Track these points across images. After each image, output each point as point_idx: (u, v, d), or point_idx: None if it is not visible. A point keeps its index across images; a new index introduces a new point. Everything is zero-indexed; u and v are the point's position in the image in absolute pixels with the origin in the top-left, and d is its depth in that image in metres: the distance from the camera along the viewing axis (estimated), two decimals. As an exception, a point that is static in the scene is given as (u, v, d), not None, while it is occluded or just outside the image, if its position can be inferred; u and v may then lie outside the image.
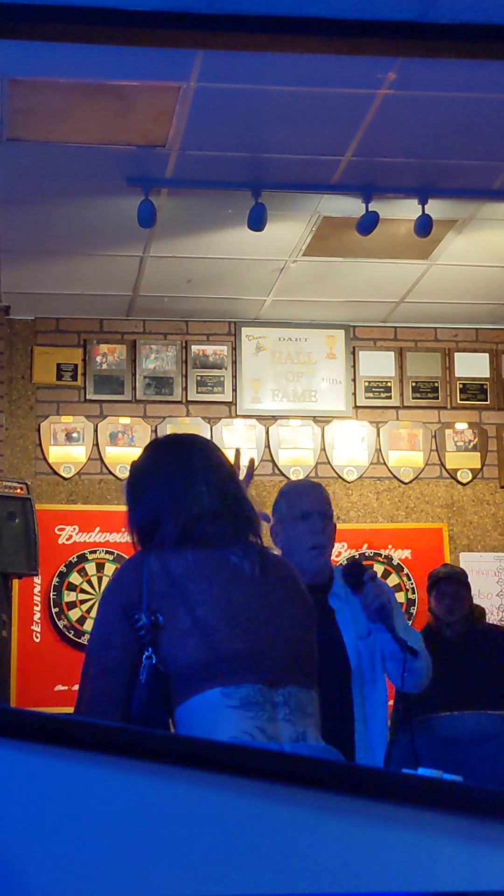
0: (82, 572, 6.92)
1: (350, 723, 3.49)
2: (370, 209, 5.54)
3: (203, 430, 7.09)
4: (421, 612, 6.71)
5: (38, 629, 6.81)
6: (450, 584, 5.52)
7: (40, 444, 7.07)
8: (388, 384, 7.41)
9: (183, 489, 2.56)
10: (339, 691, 3.49)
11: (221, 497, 2.57)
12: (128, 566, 2.55)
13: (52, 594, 6.84)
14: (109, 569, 6.89)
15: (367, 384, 7.39)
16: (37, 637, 6.80)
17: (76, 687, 2.58)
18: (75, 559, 6.92)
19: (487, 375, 7.48)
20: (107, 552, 6.95)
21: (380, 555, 7.14)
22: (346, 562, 3.69)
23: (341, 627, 3.58)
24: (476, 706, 4.93)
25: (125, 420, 7.17)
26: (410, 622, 5.51)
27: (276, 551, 3.51)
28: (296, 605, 2.59)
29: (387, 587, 3.64)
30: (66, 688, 6.60)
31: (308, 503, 3.65)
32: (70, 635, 6.79)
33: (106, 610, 2.53)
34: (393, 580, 7.06)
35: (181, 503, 2.54)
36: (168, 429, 7.08)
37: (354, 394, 7.37)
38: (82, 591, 6.89)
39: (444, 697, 4.97)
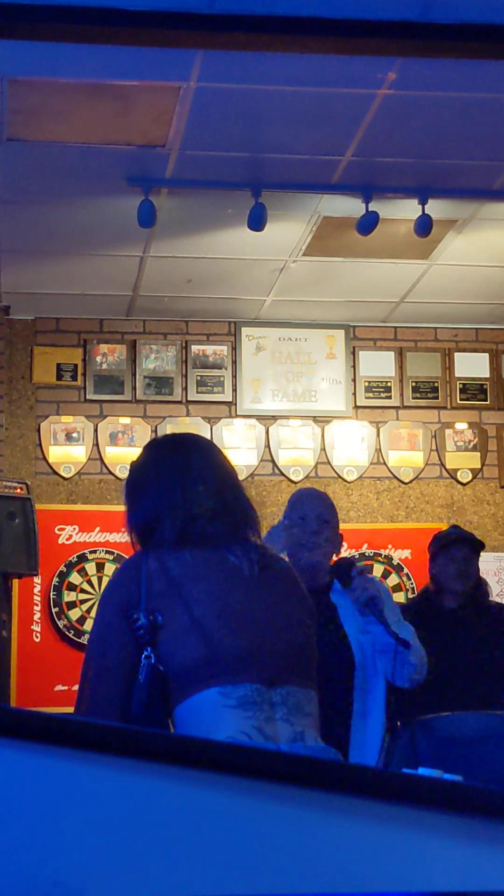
0: (82, 572, 6.92)
1: (348, 714, 3.56)
2: (370, 209, 5.53)
3: (203, 430, 7.08)
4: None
5: (38, 629, 6.81)
6: (462, 548, 4.86)
7: (40, 444, 7.07)
8: (388, 384, 7.41)
9: (181, 489, 2.56)
10: (342, 683, 3.57)
11: (220, 496, 2.57)
12: (126, 566, 2.55)
13: (52, 594, 6.84)
14: (109, 569, 6.89)
15: (367, 384, 7.38)
16: (37, 637, 6.80)
17: (76, 687, 2.58)
18: (75, 559, 6.92)
19: (487, 375, 7.47)
20: (107, 552, 6.95)
21: (380, 555, 7.14)
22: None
23: (344, 622, 3.67)
24: (471, 687, 4.69)
25: (125, 420, 7.17)
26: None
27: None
28: (295, 604, 2.59)
29: (377, 582, 3.78)
30: (66, 688, 6.60)
31: (306, 508, 3.84)
32: (70, 635, 6.79)
33: (105, 610, 2.54)
34: (393, 580, 7.05)
35: (180, 503, 2.54)
36: (168, 429, 7.07)
37: (354, 394, 7.36)
38: (82, 591, 6.89)
39: (437, 676, 4.65)
